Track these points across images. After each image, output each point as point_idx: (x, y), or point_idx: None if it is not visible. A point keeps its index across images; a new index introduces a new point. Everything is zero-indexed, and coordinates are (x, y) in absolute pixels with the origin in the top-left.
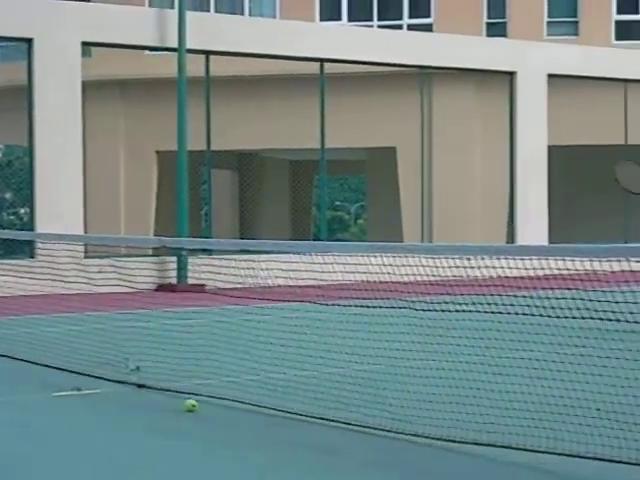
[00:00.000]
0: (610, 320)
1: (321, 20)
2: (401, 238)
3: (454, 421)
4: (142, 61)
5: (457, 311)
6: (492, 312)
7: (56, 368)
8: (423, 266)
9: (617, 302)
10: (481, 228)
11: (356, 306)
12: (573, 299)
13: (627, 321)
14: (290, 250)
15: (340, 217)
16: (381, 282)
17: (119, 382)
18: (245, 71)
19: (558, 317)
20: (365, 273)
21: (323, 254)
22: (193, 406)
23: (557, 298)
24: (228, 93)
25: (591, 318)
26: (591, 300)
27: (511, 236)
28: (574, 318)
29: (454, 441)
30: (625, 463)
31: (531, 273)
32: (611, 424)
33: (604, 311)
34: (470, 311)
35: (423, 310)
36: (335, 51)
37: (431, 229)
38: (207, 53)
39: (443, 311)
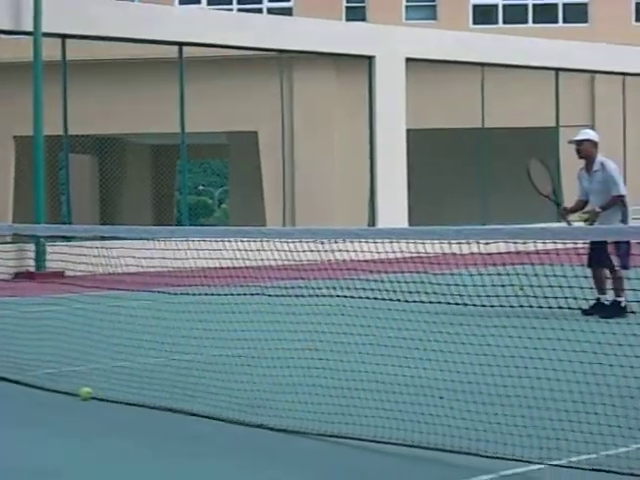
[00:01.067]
0: (457, 304)
1: (180, 4)
2: (264, 222)
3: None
4: None
5: (310, 296)
6: (344, 296)
7: None
8: (278, 250)
9: (465, 285)
10: (343, 212)
11: (207, 294)
12: (422, 282)
13: (474, 305)
14: (145, 236)
15: (204, 202)
16: (235, 268)
17: None
18: (105, 55)
19: (407, 301)
20: (220, 259)
21: (179, 240)
22: (88, 393)
23: (407, 282)
24: (87, 77)
25: (439, 302)
26: (439, 284)
27: (372, 219)
28: (422, 302)
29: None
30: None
31: (384, 256)
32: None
33: (451, 294)
34: (323, 296)
35: (276, 296)
36: (194, 35)
37: (293, 213)
38: (64, 37)
39: (297, 296)
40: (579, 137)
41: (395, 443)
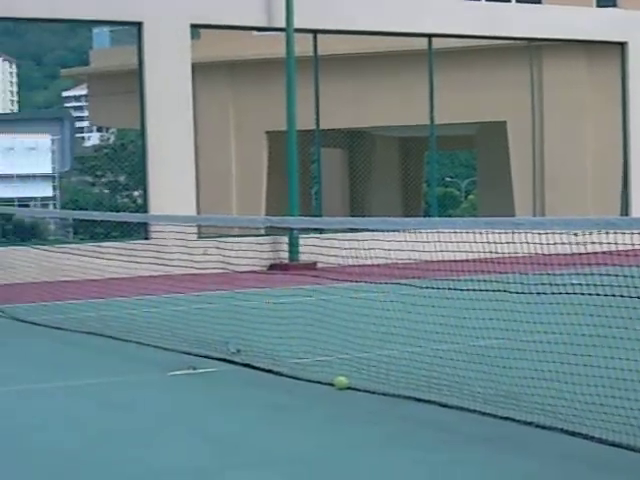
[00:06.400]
0: None
1: None
2: (513, 213)
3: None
4: (250, 42)
5: (553, 293)
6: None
7: (165, 349)
8: (528, 243)
9: None
10: (594, 200)
11: (450, 289)
12: None
13: None
14: (396, 227)
15: (451, 193)
16: (481, 261)
17: (226, 361)
18: (353, 49)
19: None
20: (467, 252)
21: (429, 231)
22: (344, 383)
23: None
24: (337, 71)
25: None
26: None
27: (625, 208)
28: None
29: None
30: None
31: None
32: None
33: None
34: (567, 293)
35: (517, 293)
36: (443, 26)
37: (543, 204)
38: (315, 32)
39: (538, 294)
40: None
41: None
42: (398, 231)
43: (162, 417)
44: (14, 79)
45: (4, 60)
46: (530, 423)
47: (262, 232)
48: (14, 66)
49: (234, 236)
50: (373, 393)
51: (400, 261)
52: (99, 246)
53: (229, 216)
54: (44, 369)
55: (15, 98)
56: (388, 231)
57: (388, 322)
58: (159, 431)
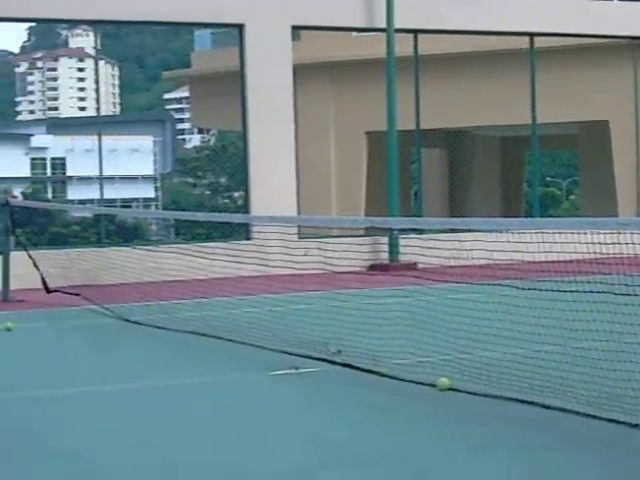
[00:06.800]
0: None
1: None
2: (616, 212)
3: None
4: (350, 42)
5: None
6: None
7: (266, 348)
8: (634, 244)
9: None
10: None
11: (552, 291)
12: None
13: None
14: (498, 228)
15: (552, 193)
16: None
17: (326, 361)
18: (454, 48)
19: None
20: (570, 253)
21: (533, 232)
22: (446, 384)
23: None
24: (437, 71)
25: None
26: None
27: None
28: None
29: None
30: None
31: None
32: None
33: None
34: None
35: (622, 294)
36: (545, 24)
37: None
38: (415, 32)
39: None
40: None
41: None
42: (500, 231)
43: (267, 417)
44: (116, 82)
45: (106, 63)
46: (636, 425)
47: (361, 233)
48: (116, 69)
49: (334, 237)
50: (475, 394)
51: (502, 262)
52: (203, 246)
53: (331, 217)
54: (148, 368)
55: (117, 100)
56: (490, 231)
57: (490, 323)
58: (265, 431)
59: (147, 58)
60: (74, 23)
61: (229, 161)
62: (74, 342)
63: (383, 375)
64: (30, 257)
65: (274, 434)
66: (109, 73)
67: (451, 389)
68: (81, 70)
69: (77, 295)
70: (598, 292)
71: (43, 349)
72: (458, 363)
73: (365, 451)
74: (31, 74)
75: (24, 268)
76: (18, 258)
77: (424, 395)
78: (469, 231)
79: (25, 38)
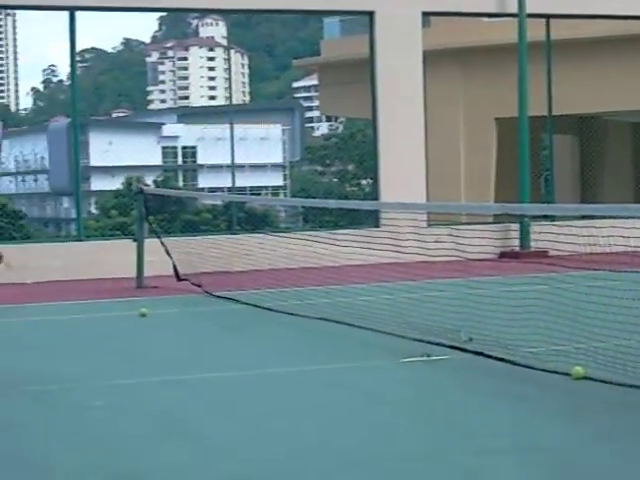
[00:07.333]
0: None
1: None
2: None
3: None
4: (481, 28)
5: None
6: None
7: (397, 335)
8: None
9: None
10: None
11: None
12: None
13: None
14: (635, 215)
15: None
16: None
17: (458, 349)
18: (584, 33)
19: None
20: None
21: None
22: (581, 373)
23: None
24: (570, 56)
25: None
26: None
27: None
28: None
29: None
30: None
31: None
32: None
33: None
34: None
35: None
36: None
37: None
38: (548, 17)
39: None
40: None
41: None
42: (638, 218)
43: (402, 404)
44: (246, 70)
45: (236, 52)
46: None
47: (490, 220)
48: (246, 58)
49: (464, 224)
50: (610, 383)
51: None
52: (333, 233)
53: (462, 203)
54: (280, 354)
55: (247, 89)
56: (627, 218)
57: (627, 311)
58: (397, 417)
59: (276, 47)
60: (204, 12)
61: (357, 149)
62: (206, 328)
63: (515, 364)
64: (162, 244)
65: (405, 420)
66: (239, 62)
67: (585, 378)
68: (211, 59)
69: (199, 286)
70: None
71: (176, 335)
72: (593, 352)
73: (497, 439)
74: (162, 63)
75: (157, 255)
76: (151, 245)
77: (557, 384)
78: (603, 218)
79: (156, 28)
